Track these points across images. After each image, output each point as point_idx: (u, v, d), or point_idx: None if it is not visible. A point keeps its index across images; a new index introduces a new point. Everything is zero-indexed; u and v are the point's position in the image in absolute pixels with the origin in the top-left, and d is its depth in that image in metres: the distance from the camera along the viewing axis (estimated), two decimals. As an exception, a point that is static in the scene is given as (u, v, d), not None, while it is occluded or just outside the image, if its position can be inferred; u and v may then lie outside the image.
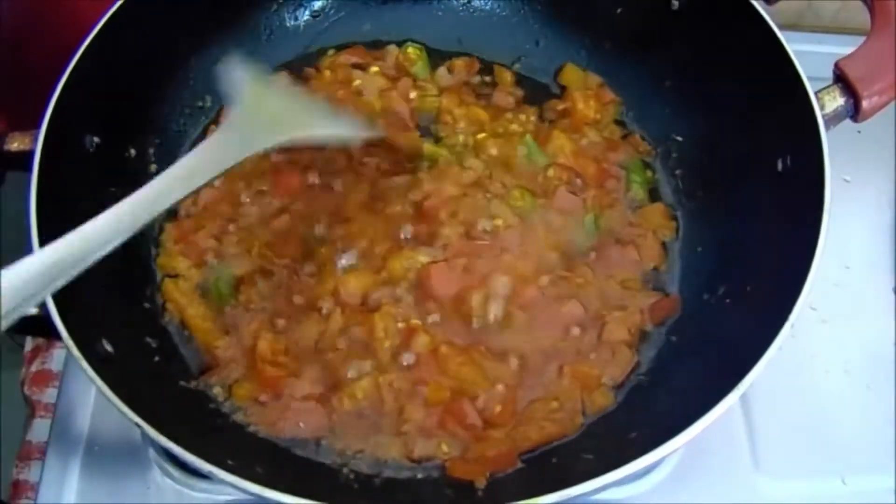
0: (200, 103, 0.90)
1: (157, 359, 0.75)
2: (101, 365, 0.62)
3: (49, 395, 0.88)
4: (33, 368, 0.92)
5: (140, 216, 0.59)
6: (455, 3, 0.99)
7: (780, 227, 0.74)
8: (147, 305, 0.79)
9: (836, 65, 0.74)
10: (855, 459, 0.82)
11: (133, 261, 0.79)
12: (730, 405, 0.61)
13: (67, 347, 0.62)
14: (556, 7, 0.97)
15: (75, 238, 0.56)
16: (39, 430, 0.87)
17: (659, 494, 0.78)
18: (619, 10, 0.93)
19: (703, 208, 0.85)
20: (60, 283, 0.55)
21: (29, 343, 0.95)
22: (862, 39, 0.75)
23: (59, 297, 0.62)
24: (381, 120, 0.88)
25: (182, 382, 0.75)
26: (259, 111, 0.72)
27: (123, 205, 0.59)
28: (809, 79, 0.74)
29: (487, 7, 0.99)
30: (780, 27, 0.78)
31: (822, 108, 0.72)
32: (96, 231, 0.57)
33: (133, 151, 0.83)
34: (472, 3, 0.99)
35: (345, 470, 0.71)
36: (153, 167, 0.85)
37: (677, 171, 0.88)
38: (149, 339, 0.76)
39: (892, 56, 0.73)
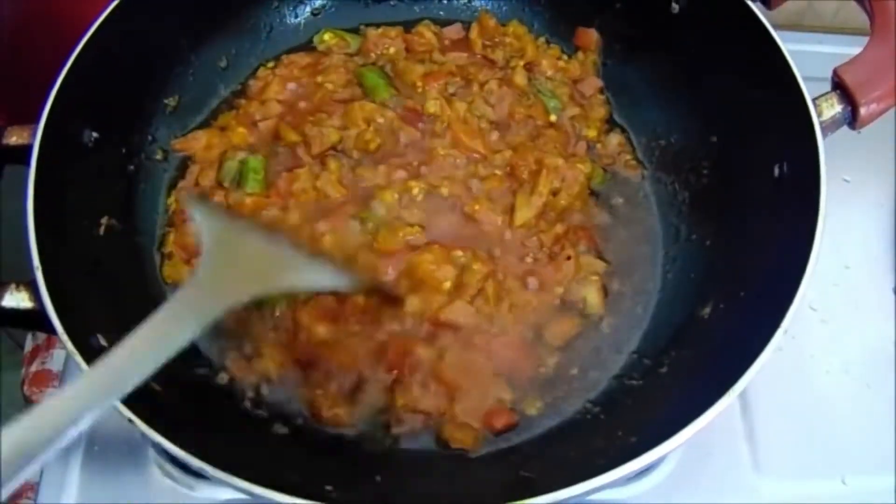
0: (200, 99, 0.90)
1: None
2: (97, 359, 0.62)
3: (49, 395, 0.88)
4: (33, 368, 0.92)
5: (92, 407, 0.50)
6: (455, 3, 1.00)
7: (775, 233, 0.74)
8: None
9: (835, 71, 0.74)
10: (855, 459, 0.82)
11: (137, 269, 0.79)
12: (722, 409, 0.61)
13: (62, 342, 0.62)
14: (555, 9, 0.98)
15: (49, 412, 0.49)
16: (39, 430, 0.87)
17: (659, 494, 0.78)
18: (617, 12, 0.93)
19: (699, 210, 0.85)
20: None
21: (29, 343, 0.95)
22: (862, 39, 0.75)
23: (54, 292, 0.62)
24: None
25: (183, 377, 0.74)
26: (232, 261, 0.64)
27: (74, 397, 0.51)
28: (809, 79, 0.74)
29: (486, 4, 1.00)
30: (780, 27, 0.78)
31: (819, 115, 0.72)
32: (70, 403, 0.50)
33: (131, 148, 0.84)
34: (472, 4, 1.00)
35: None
36: (153, 168, 0.85)
37: (672, 177, 0.88)
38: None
39: (891, 63, 0.73)
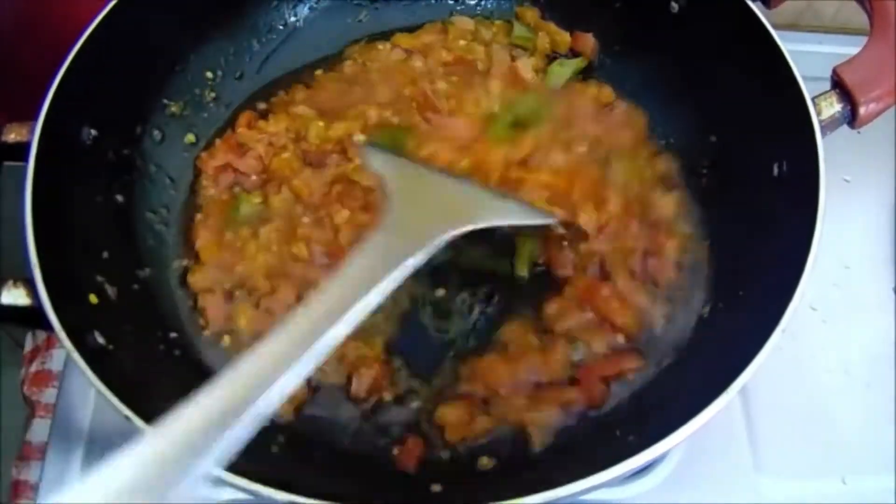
0: (200, 99, 0.90)
1: (161, 347, 0.75)
2: (94, 356, 0.62)
3: (49, 395, 0.88)
4: (33, 368, 0.92)
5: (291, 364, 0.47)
6: (450, 2, 1.00)
7: (774, 233, 0.74)
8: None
9: (834, 70, 0.74)
10: (855, 459, 0.82)
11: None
12: (719, 409, 0.61)
13: (59, 339, 0.62)
14: (552, 9, 0.97)
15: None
16: (39, 430, 0.87)
17: (659, 494, 0.78)
18: (616, 11, 0.93)
19: (698, 210, 0.84)
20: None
21: (29, 343, 0.95)
22: (862, 39, 0.75)
23: (51, 289, 0.62)
24: None
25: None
26: (421, 202, 0.62)
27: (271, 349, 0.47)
28: (808, 79, 0.74)
29: (487, 5, 0.99)
30: (780, 27, 0.78)
31: (819, 114, 0.72)
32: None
33: (130, 146, 0.83)
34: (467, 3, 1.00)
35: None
36: (152, 167, 0.85)
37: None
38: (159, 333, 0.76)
39: (890, 62, 0.73)
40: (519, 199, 0.73)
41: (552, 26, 0.96)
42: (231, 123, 0.89)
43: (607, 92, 0.91)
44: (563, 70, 0.93)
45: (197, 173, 0.87)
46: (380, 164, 0.65)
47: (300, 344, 0.48)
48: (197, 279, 0.80)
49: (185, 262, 0.82)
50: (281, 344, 0.48)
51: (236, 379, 0.45)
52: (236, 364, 0.46)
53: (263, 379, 0.46)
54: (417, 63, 0.91)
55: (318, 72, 0.94)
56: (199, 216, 0.84)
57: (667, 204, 0.82)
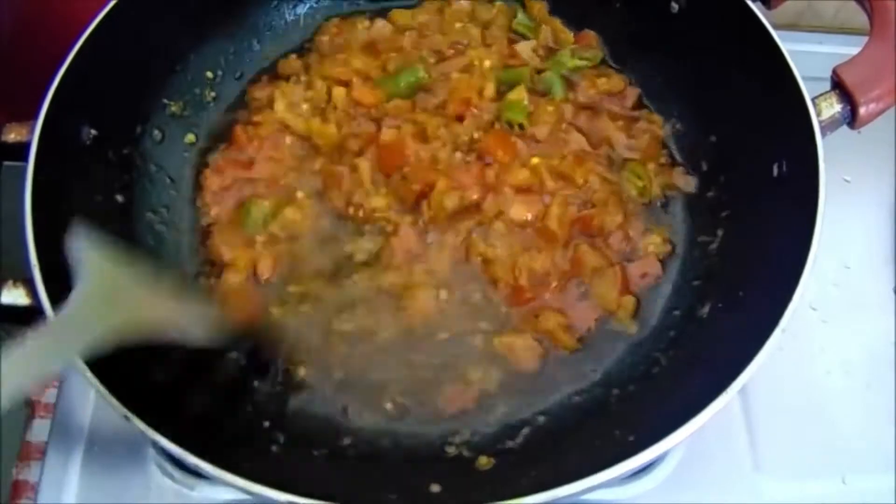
0: (200, 99, 0.91)
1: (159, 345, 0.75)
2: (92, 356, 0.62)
3: (49, 395, 0.88)
4: (33, 368, 0.92)
5: None
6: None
7: (774, 233, 0.74)
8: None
9: (834, 71, 0.74)
10: (855, 459, 0.82)
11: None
12: (718, 410, 0.61)
13: None
14: (554, 9, 0.97)
15: None
16: (39, 430, 0.87)
17: (659, 494, 0.78)
18: (617, 11, 0.94)
19: (697, 210, 0.85)
20: None
21: (29, 343, 0.95)
22: (862, 39, 0.75)
23: (51, 289, 0.62)
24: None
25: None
26: (104, 293, 0.62)
27: None
28: (809, 79, 0.74)
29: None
30: (780, 27, 0.78)
31: (818, 114, 0.72)
32: None
33: (130, 146, 0.83)
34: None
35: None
36: (152, 166, 0.85)
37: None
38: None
39: (890, 63, 0.73)
40: (200, 307, 0.72)
41: (557, 23, 0.96)
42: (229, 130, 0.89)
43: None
44: (573, 61, 0.92)
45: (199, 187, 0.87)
46: (83, 253, 0.64)
47: None
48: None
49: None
50: None
51: None
52: None
53: None
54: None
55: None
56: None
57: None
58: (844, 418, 0.84)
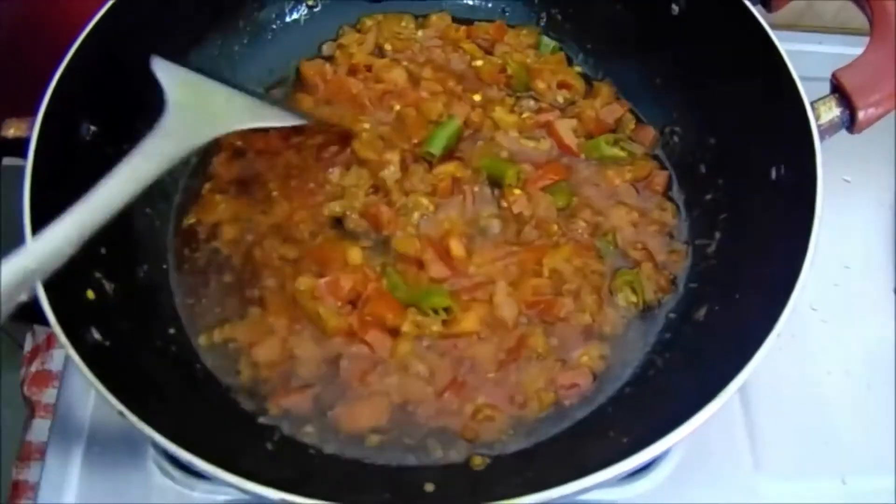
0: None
1: (158, 343, 0.75)
2: (91, 352, 0.63)
3: (49, 395, 0.88)
4: (33, 369, 0.92)
5: (87, 224, 0.60)
6: (456, 3, 1.00)
7: (771, 236, 0.74)
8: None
9: (833, 75, 0.74)
10: (855, 459, 0.82)
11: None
12: (713, 412, 0.61)
13: (56, 334, 0.62)
14: (554, 9, 0.98)
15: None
16: (39, 430, 0.87)
17: (659, 494, 0.78)
18: (617, 13, 0.93)
19: (696, 212, 0.85)
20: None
21: (29, 343, 0.95)
22: (862, 40, 0.75)
23: (49, 284, 0.62)
24: None
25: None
26: (193, 107, 0.74)
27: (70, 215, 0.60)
28: (810, 80, 0.74)
29: (489, 6, 1.00)
30: (780, 27, 0.78)
31: (817, 118, 0.72)
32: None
33: (130, 142, 0.83)
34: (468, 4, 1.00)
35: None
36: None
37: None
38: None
39: (890, 67, 0.73)
40: (281, 105, 0.88)
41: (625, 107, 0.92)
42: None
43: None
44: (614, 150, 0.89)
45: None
46: (163, 74, 0.74)
47: (80, 227, 0.60)
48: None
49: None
50: (64, 227, 0.59)
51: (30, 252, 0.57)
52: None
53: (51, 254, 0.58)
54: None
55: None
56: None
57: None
58: (844, 418, 0.84)
